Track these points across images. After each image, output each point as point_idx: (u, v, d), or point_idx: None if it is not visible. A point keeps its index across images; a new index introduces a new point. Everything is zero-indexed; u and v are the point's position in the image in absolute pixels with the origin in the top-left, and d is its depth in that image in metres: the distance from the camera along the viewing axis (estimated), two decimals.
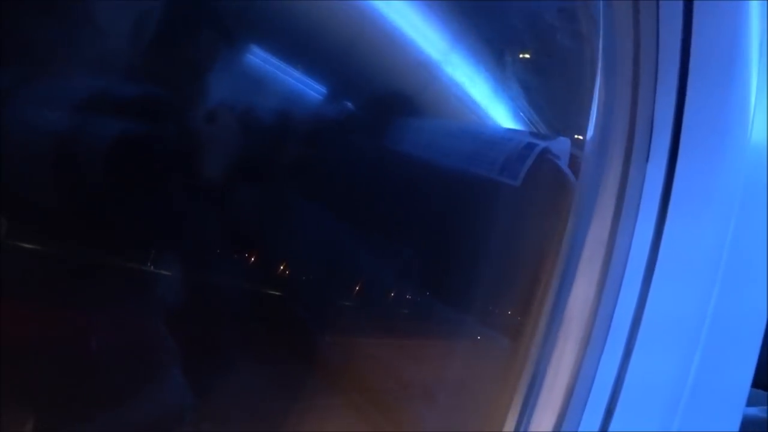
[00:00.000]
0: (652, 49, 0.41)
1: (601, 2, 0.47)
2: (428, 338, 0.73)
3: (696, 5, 0.42)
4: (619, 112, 0.43)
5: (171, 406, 0.53)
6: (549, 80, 0.80)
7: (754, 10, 0.42)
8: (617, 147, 0.44)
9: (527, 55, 0.82)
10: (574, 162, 0.63)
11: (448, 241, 0.72)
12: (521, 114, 0.79)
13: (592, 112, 0.48)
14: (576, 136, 0.66)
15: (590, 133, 0.48)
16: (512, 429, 0.47)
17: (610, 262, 0.44)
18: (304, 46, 0.63)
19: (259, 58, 0.60)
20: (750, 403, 0.80)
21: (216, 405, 0.59)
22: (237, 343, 0.60)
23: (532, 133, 0.70)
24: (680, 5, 0.42)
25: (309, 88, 0.66)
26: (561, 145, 0.64)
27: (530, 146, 0.65)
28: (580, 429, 0.44)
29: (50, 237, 0.46)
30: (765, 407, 0.74)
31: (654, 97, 0.42)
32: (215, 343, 0.59)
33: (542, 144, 0.65)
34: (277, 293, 0.67)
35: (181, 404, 0.54)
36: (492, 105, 0.79)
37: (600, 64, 0.45)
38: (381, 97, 0.75)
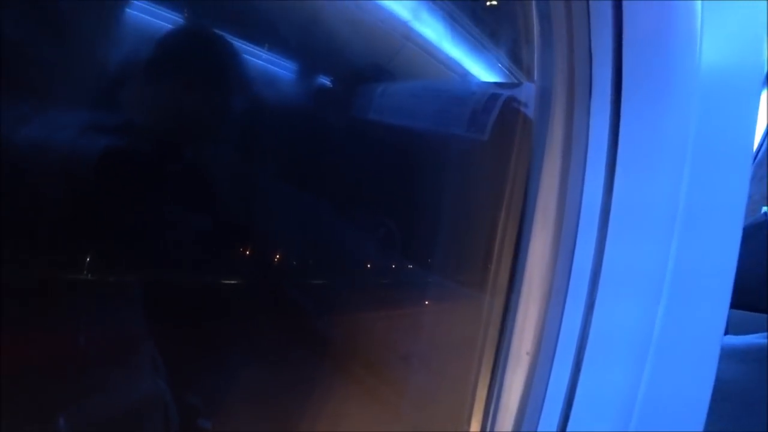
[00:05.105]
0: None
1: None
2: (416, 306, 0.72)
3: None
4: (557, 47, 0.41)
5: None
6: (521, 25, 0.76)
7: None
8: (560, 84, 0.41)
9: (494, 2, 0.78)
10: None
11: (424, 206, 0.70)
12: (498, 65, 0.76)
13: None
14: None
15: (535, 73, 0.45)
16: (487, 386, 0.46)
17: (564, 211, 0.42)
18: (267, 19, 0.61)
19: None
20: (751, 329, 0.76)
21: (224, 396, 0.59)
22: (239, 335, 0.61)
23: (496, 84, 0.67)
24: None
25: (276, 66, 0.64)
26: (527, 92, 0.61)
27: (494, 97, 0.62)
28: (550, 382, 0.42)
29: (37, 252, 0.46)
30: (765, 333, 0.70)
31: (588, 27, 0.39)
32: (217, 338, 0.59)
33: (506, 93, 0.62)
34: (269, 281, 0.67)
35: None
36: (468, 59, 0.76)
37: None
38: (353, 67, 0.73)
